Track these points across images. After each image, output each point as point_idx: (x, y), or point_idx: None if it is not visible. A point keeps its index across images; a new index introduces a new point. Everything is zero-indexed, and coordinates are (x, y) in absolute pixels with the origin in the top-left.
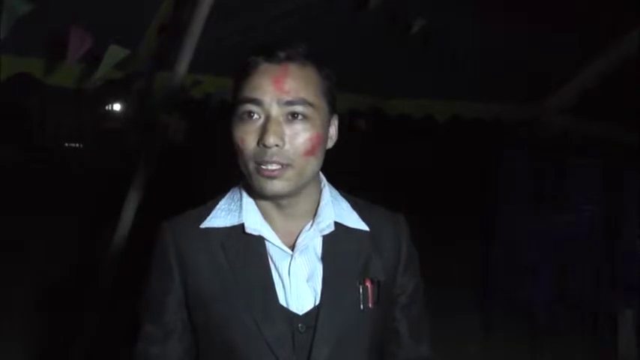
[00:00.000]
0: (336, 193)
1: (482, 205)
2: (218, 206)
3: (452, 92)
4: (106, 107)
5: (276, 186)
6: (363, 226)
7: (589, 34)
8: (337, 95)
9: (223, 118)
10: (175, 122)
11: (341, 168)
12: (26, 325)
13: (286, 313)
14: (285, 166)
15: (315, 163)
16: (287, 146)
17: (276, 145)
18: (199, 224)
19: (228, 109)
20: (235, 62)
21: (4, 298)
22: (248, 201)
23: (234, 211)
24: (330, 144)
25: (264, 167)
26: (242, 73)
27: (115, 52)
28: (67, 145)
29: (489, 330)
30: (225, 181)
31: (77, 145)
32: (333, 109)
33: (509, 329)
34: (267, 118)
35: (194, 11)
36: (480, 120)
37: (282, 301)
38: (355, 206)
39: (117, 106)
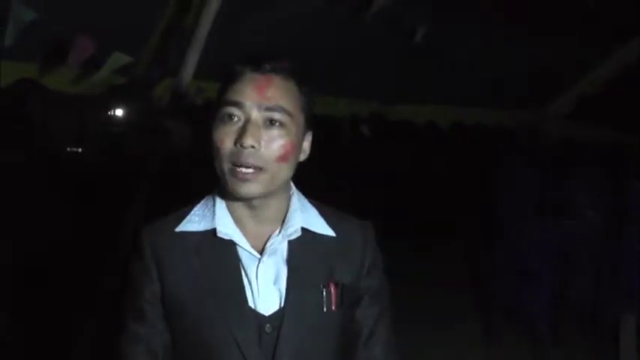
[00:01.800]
0: (305, 200)
1: (483, 211)
2: (193, 211)
3: (453, 98)
4: (109, 113)
5: (249, 188)
6: (329, 232)
7: (590, 40)
8: (339, 100)
9: None
10: (179, 128)
11: (342, 172)
12: (27, 325)
13: (254, 314)
14: (258, 169)
15: (286, 169)
16: (262, 149)
17: (252, 147)
18: (174, 228)
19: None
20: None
21: (4, 298)
22: (221, 206)
23: (208, 217)
24: (302, 157)
25: (238, 169)
26: (228, 79)
27: (118, 59)
28: (69, 150)
29: (490, 336)
30: None
31: (79, 150)
32: (308, 125)
33: (510, 335)
34: (247, 121)
35: (199, 18)
36: (481, 125)
37: (250, 303)
38: (322, 213)
39: (120, 112)
